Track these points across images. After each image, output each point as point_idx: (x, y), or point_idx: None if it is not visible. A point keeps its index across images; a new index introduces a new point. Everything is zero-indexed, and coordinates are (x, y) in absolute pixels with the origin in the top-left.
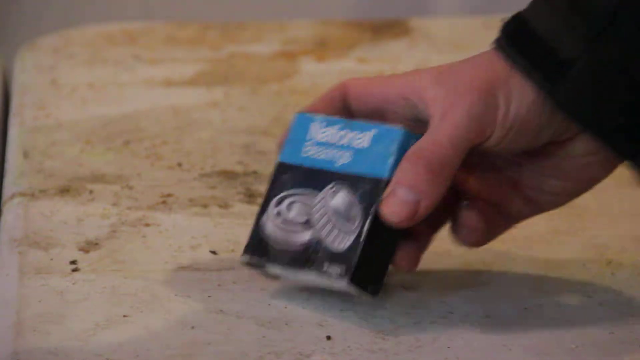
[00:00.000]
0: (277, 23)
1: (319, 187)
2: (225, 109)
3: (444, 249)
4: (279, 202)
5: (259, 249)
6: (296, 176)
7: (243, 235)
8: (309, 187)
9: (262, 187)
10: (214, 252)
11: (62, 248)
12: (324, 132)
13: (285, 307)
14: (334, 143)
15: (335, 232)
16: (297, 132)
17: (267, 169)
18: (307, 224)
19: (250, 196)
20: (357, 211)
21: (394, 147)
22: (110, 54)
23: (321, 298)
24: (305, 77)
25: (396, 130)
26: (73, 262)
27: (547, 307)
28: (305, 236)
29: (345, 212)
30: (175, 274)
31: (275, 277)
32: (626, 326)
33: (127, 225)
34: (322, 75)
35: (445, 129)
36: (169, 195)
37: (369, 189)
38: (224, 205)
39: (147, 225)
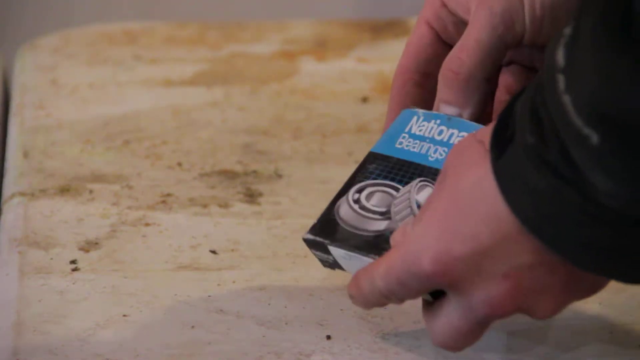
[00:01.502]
0: (277, 23)
1: (406, 179)
2: (225, 108)
3: None
4: (360, 190)
5: (326, 229)
6: (384, 166)
7: (243, 234)
8: (396, 178)
9: (262, 187)
10: (214, 252)
11: (62, 248)
12: (423, 126)
13: (285, 307)
14: (431, 137)
15: None
16: (398, 125)
17: (267, 168)
18: (386, 214)
19: (250, 196)
20: None
21: None
22: (111, 54)
23: (321, 298)
24: (305, 77)
25: None
26: (73, 262)
27: None
28: (381, 225)
29: None
30: (175, 273)
31: (328, 264)
32: (626, 326)
33: (127, 225)
34: (322, 75)
35: (472, 33)
36: (168, 195)
37: None
38: (224, 205)
39: (147, 225)
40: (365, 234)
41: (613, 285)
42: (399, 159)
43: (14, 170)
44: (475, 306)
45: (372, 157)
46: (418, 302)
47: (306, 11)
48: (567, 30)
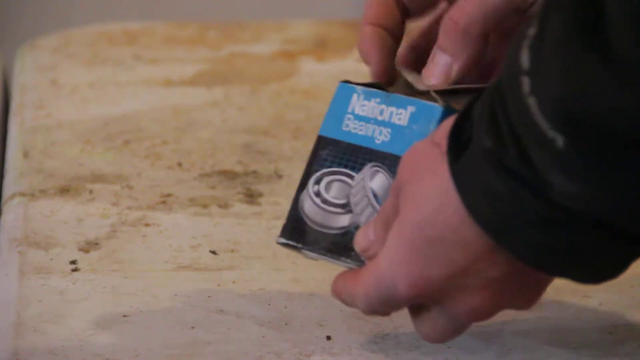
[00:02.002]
0: (277, 23)
1: (358, 165)
2: (225, 108)
3: None
4: (318, 181)
5: (296, 232)
6: (335, 152)
7: (243, 235)
8: (349, 165)
9: (262, 187)
10: (214, 252)
11: (62, 248)
12: (364, 106)
13: (285, 307)
14: (373, 118)
15: (374, 217)
16: (339, 103)
17: (267, 168)
18: (346, 206)
19: (250, 196)
20: None
21: (432, 127)
22: (111, 54)
23: (321, 298)
24: (305, 77)
25: (435, 108)
26: (73, 262)
27: (547, 307)
28: (344, 220)
29: (384, 195)
30: (175, 274)
31: (312, 258)
32: (626, 326)
33: (127, 225)
34: (322, 75)
35: None
36: (168, 195)
37: None
38: (224, 205)
39: (147, 225)
40: (332, 232)
41: (613, 286)
42: (348, 144)
43: (14, 171)
44: (458, 316)
45: (323, 143)
46: None
47: (306, 11)
48: (531, 31)
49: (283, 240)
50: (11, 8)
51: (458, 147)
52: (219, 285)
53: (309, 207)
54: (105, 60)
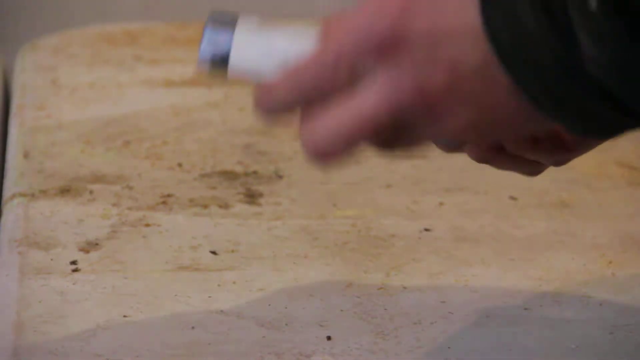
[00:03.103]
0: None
1: None
2: (225, 109)
3: (444, 249)
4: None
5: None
6: None
7: (243, 235)
8: None
9: (263, 188)
10: (214, 252)
11: (62, 248)
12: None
13: (286, 307)
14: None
15: None
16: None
17: (268, 169)
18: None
19: (250, 196)
20: None
21: None
22: (111, 54)
23: (321, 298)
24: None
25: None
26: (73, 263)
27: (547, 307)
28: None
29: None
30: (175, 274)
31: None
32: (626, 326)
33: (128, 225)
34: None
35: None
36: (169, 195)
37: None
38: (224, 206)
39: (147, 225)
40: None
41: (613, 286)
42: None
43: (14, 171)
44: (401, 82)
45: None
46: (418, 303)
47: (306, 11)
48: None
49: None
50: (11, 8)
51: None
52: (219, 285)
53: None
54: (106, 60)
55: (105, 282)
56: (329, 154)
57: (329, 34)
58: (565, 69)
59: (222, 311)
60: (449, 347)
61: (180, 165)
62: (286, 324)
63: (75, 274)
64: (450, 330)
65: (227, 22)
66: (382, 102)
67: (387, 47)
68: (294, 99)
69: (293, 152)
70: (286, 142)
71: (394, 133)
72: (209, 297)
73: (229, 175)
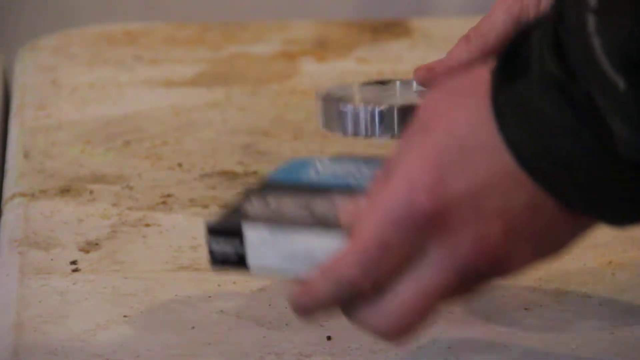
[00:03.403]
0: (277, 23)
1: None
2: (225, 109)
3: None
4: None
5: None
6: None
7: None
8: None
9: None
10: None
11: (62, 248)
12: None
13: (286, 307)
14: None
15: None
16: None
17: (268, 169)
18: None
19: None
20: None
21: None
22: (111, 54)
23: None
24: (305, 77)
25: None
26: (73, 263)
27: (547, 307)
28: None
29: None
30: (175, 274)
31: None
32: (626, 326)
33: (128, 225)
34: (322, 75)
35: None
36: (169, 195)
37: None
38: (224, 206)
39: (147, 225)
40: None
41: (614, 287)
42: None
43: (14, 171)
44: (460, 249)
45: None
46: None
47: (306, 11)
48: None
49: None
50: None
51: (509, 70)
52: (219, 285)
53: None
54: (106, 60)
55: (105, 282)
56: (406, 333)
57: (361, 221)
58: (602, 160)
59: (222, 311)
60: (448, 347)
61: (180, 165)
62: (286, 324)
63: (75, 274)
64: (450, 330)
65: (231, 231)
66: (447, 273)
67: (433, 221)
68: (339, 296)
69: (293, 152)
70: (286, 142)
71: (459, 290)
72: (209, 297)
73: (229, 175)
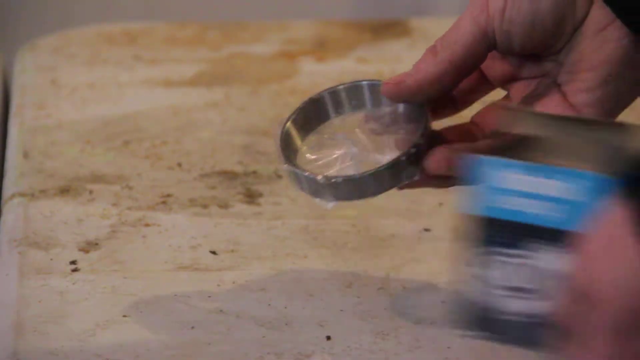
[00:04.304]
0: (277, 23)
1: (524, 243)
2: (225, 109)
3: (444, 249)
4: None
5: (479, 320)
6: (492, 230)
7: (243, 235)
8: (513, 243)
9: (262, 188)
10: (214, 253)
11: (62, 248)
12: (514, 179)
13: (285, 308)
14: (529, 191)
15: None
16: (481, 177)
17: (267, 169)
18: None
19: (250, 196)
20: None
21: (596, 197)
22: (111, 54)
23: (321, 298)
24: (305, 77)
25: (604, 179)
26: (73, 262)
27: None
28: (523, 305)
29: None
30: (175, 274)
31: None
32: None
33: (127, 225)
34: (322, 75)
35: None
36: (169, 195)
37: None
38: (224, 206)
39: (147, 225)
40: (516, 318)
41: None
42: (506, 221)
43: (14, 171)
44: None
45: (476, 222)
46: (418, 303)
47: (306, 11)
48: None
49: (470, 333)
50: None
51: None
52: (219, 285)
53: (486, 293)
54: (105, 60)
55: (105, 282)
56: None
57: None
58: None
59: (221, 311)
60: (448, 347)
61: (180, 165)
62: (286, 324)
63: (75, 274)
64: (450, 330)
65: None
66: None
67: None
68: None
69: None
70: None
71: None
72: (209, 297)
73: (229, 175)
